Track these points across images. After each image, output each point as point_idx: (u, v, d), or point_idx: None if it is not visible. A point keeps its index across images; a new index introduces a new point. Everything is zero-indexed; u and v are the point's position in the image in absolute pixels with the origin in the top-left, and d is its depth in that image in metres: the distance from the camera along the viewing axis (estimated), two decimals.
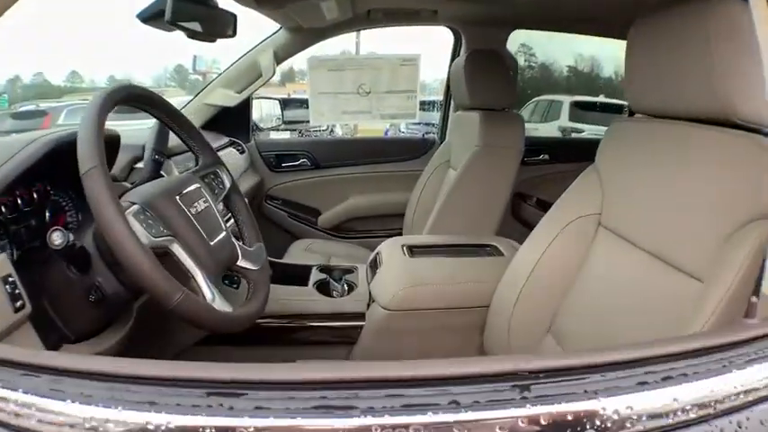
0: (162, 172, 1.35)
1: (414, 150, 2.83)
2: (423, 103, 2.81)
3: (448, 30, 2.65)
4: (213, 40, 1.50)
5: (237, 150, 2.46)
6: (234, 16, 1.58)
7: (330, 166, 2.78)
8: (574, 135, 6.81)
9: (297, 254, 2.41)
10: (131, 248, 0.83)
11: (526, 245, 1.35)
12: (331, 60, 2.51)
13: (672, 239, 0.99)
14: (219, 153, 2.18)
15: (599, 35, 2.69)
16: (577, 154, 2.98)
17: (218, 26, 1.51)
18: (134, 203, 0.94)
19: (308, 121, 5.82)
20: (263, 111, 2.80)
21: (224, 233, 1.12)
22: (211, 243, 1.05)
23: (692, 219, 0.94)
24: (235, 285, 1.46)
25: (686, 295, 0.91)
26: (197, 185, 1.13)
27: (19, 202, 1.04)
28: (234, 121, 2.52)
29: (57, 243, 0.87)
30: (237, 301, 1.38)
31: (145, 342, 1.37)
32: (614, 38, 2.76)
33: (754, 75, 0.86)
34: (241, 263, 1.17)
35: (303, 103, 6.19)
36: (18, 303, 0.84)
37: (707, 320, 0.81)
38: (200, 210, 1.07)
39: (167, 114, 1.17)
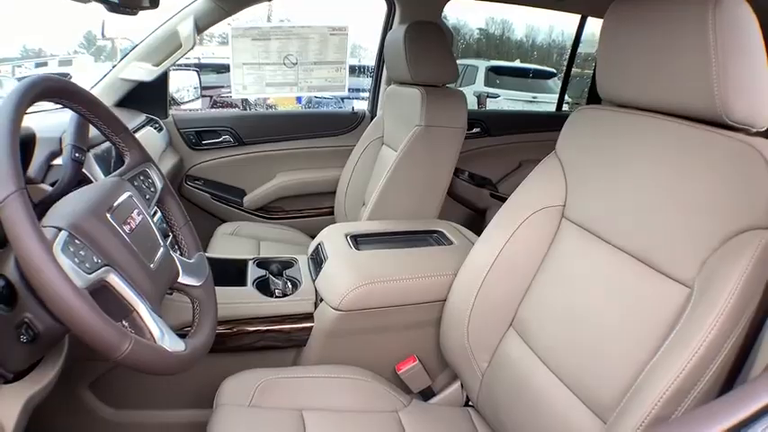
0: (84, 170, 1.17)
1: (343, 125, 2.69)
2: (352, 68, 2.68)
3: None
4: (134, 13, 1.31)
5: (155, 129, 2.23)
6: None
7: (254, 143, 2.60)
8: (489, 100, 6.89)
9: (223, 239, 2.25)
10: (66, 298, 0.68)
11: (486, 236, 1.29)
12: (255, 29, 2.33)
13: (650, 239, 0.95)
14: (137, 134, 1.99)
15: (546, 7, 2.65)
16: (509, 127, 2.99)
17: None
18: (60, 229, 0.77)
19: (220, 87, 5.54)
20: (181, 83, 2.55)
21: (162, 249, 0.98)
22: (152, 266, 0.90)
23: (677, 220, 0.90)
24: (169, 291, 1.32)
25: (668, 298, 0.89)
26: (128, 193, 0.96)
27: None
28: (150, 95, 2.29)
29: None
30: (178, 315, 1.24)
31: (76, 365, 1.22)
32: (563, 11, 2.73)
33: (753, 75, 0.83)
34: (183, 279, 1.03)
35: (215, 69, 5.89)
36: None
37: (708, 333, 0.78)
38: (134, 225, 0.92)
39: (88, 107, 0.99)
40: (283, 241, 2.32)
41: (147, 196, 1.06)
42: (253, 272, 1.56)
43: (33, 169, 1.10)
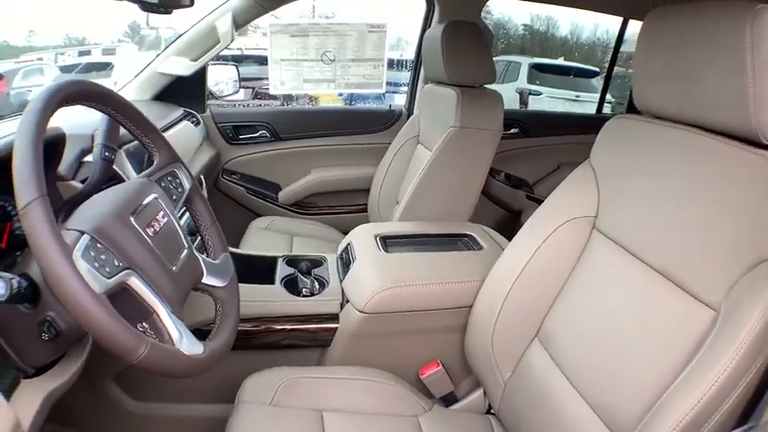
0: (115, 167, 1.19)
1: (379, 122, 2.69)
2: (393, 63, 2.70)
3: None
4: (169, 12, 1.32)
5: (193, 123, 2.28)
6: None
7: (291, 138, 2.62)
8: (531, 97, 6.81)
9: (257, 234, 2.28)
10: (84, 304, 0.69)
11: (515, 243, 1.27)
12: (294, 25, 2.35)
13: (679, 257, 0.92)
14: (174, 128, 2.03)
15: (582, 8, 2.59)
16: (547, 128, 2.94)
17: None
18: (83, 233, 0.79)
19: (262, 78, 5.61)
20: (220, 76, 2.59)
21: (186, 251, 0.98)
22: (174, 269, 0.91)
23: (707, 240, 0.87)
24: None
25: (694, 320, 0.86)
26: (154, 195, 0.97)
27: None
28: (188, 90, 2.34)
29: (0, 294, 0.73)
30: (203, 311, 1.26)
31: (101, 358, 1.25)
32: (602, 12, 2.68)
33: None
34: (207, 280, 1.03)
35: (257, 60, 5.96)
36: None
37: (730, 361, 0.75)
38: (158, 228, 0.93)
39: (117, 108, 1.00)
40: (316, 237, 2.33)
41: (174, 197, 1.07)
42: (282, 270, 1.57)
43: (64, 167, 1.12)
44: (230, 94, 2.69)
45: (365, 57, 2.44)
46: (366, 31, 2.39)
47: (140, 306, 0.83)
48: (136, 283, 0.82)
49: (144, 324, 0.84)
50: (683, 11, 0.93)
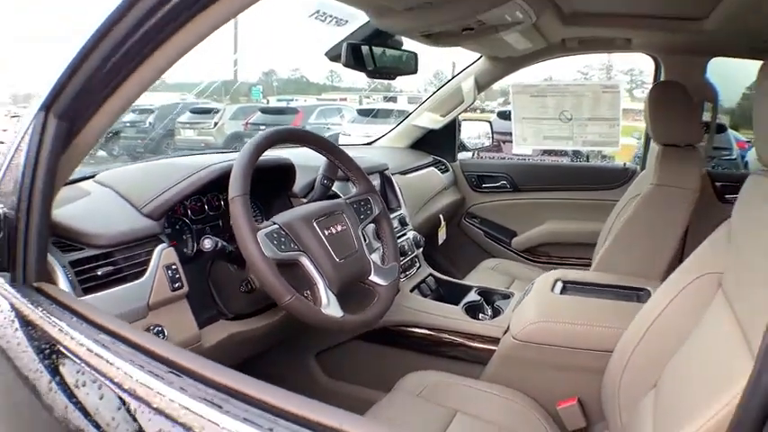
0: (336, 190, 1.63)
1: (613, 179, 2.74)
2: None
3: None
4: (392, 78, 1.70)
5: (440, 170, 2.69)
6: (415, 55, 1.76)
7: (528, 190, 2.84)
8: None
9: (484, 272, 2.52)
10: (255, 259, 1.11)
11: (655, 295, 1.31)
12: (533, 86, 2.59)
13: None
14: (420, 171, 2.46)
15: None
16: None
17: (400, 65, 1.69)
18: (275, 223, 1.21)
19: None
20: (473, 132, 2.95)
21: (356, 252, 1.34)
22: (338, 260, 1.28)
23: None
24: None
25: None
26: (340, 211, 1.37)
27: (206, 207, 1.39)
28: (440, 141, 2.76)
29: (207, 247, 1.18)
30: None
31: (293, 335, 1.64)
32: None
33: None
34: (372, 278, 1.38)
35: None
36: (176, 285, 1.16)
37: None
38: (334, 232, 1.31)
39: (326, 149, 1.44)
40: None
41: (362, 216, 1.45)
42: (470, 296, 1.84)
43: (298, 188, 1.59)
44: (483, 148, 3.04)
45: (601, 116, 2.54)
46: (600, 91, 2.49)
47: (307, 278, 1.22)
48: (305, 262, 1.21)
49: (308, 291, 1.22)
50: None
